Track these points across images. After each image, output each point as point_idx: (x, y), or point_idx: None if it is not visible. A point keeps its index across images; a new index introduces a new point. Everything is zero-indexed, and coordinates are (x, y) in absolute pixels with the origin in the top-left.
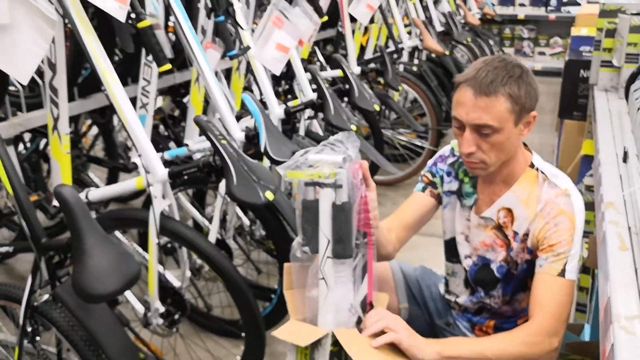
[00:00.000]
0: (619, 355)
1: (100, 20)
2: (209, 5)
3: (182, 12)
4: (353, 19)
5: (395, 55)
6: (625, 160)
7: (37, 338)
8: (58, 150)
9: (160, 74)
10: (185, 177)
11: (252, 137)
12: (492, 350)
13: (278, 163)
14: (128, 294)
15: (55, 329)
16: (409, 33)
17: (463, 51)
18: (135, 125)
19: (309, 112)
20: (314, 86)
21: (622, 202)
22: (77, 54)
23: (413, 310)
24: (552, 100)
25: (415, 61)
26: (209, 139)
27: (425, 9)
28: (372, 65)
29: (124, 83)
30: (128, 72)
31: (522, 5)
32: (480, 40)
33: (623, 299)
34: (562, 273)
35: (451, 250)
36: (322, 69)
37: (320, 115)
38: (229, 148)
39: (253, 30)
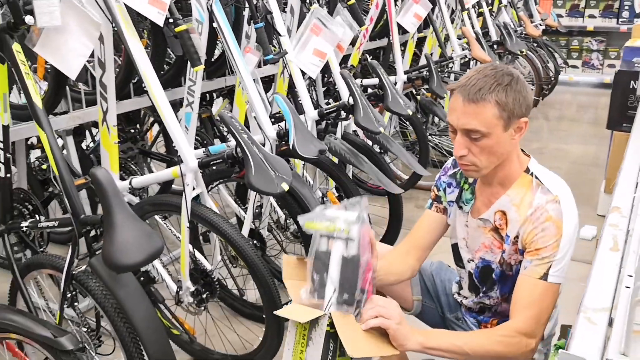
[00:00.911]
0: (574, 342)
1: (154, 27)
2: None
3: (223, 19)
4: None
5: (451, 65)
6: None
7: (76, 304)
8: (107, 140)
9: (212, 77)
10: (214, 168)
11: (283, 135)
12: (471, 345)
13: (304, 159)
14: (164, 273)
15: (90, 295)
16: (467, 43)
17: (525, 62)
18: (172, 121)
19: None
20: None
21: (629, 207)
22: None
23: (426, 302)
24: None
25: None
26: (230, 132)
27: (484, 20)
28: (419, 73)
29: (178, 83)
30: (180, 73)
31: (591, 17)
32: (543, 51)
33: (597, 293)
34: (544, 277)
35: (456, 254)
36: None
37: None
38: (248, 141)
39: None
